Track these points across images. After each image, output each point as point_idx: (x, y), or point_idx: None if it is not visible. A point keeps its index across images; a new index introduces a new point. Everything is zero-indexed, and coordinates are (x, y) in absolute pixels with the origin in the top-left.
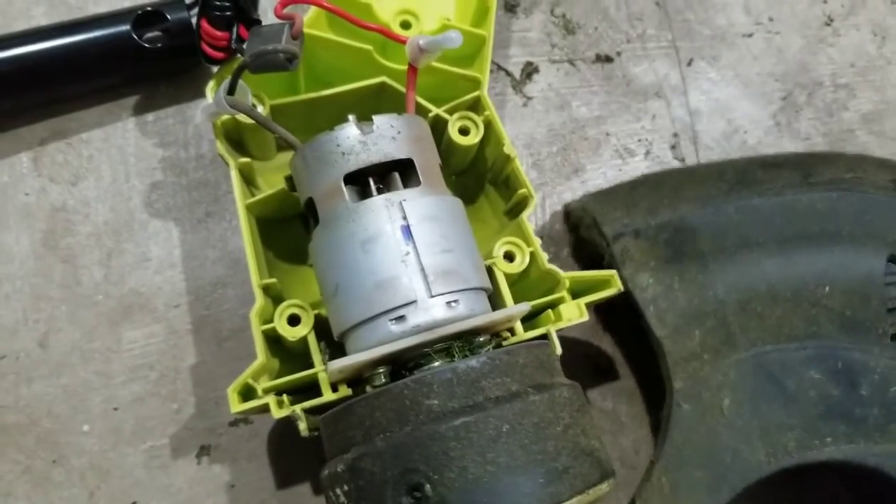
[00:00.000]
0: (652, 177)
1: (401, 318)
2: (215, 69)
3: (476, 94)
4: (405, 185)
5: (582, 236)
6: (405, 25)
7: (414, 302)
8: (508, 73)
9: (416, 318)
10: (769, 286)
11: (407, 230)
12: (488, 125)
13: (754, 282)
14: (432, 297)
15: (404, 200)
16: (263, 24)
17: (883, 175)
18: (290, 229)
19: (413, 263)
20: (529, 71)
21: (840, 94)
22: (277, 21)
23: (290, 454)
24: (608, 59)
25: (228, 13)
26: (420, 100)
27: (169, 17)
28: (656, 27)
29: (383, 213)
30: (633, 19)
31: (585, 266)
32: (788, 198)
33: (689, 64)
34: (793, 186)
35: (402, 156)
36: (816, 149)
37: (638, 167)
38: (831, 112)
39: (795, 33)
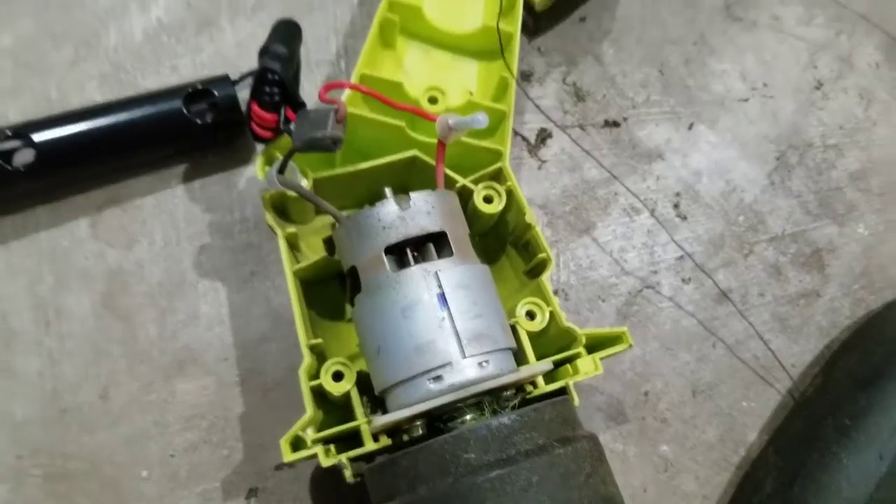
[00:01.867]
0: None
1: (438, 378)
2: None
3: (498, 165)
4: (439, 255)
5: None
6: (433, 100)
7: (450, 363)
8: (524, 139)
9: (451, 377)
10: None
11: (442, 298)
12: (510, 194)
13: None
14: (465, 358)
15: (439, 271)
16: (308, 106)
17: None
18: (327, 288)
19: (448, 328)
20: (544, 136)
21: (829, 154)
22: (322, 105)
23: (331, 496)
24: (616, 124)
25: (277, 98)
26: (448, 171)
27: (216, 93)
28: (660, 94)
29: (421, 282)
30: (638, 87)
31: None
32: None
33: (690, 128)
34: None
35: (437, 229)
36: (808, 207)
37: (645, 223)
38: (821, 171)
39: (788, 98)
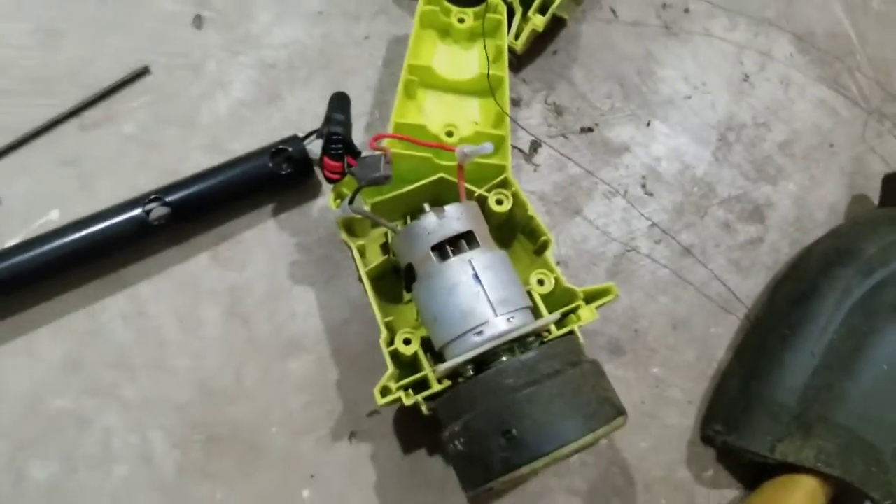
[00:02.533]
0: (731, 380)
1: (480, 333)
2: (330, 185)
3: (504, 175)
4: (469, 248)
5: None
6: (449, 134)
7: (487, 322)
8: (521, 150)
9: (489, 331)
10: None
11: (476, 277)
12: (515, 195)
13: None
14: (497, 316)
15: (472, 258)
16: (363, 154)
17: None
18: (388, 281)
19: (483, 297)
20: (535, 146)
21: (760, 131)
22: (372, 151)
23: (410, 431)
24: (590, 130)
25: (341, 150)
26: (467, 185)
27: (291, 149)
28: (621, 101)
29: (460, 268)
30: (604, 98)
31: (746, 464)
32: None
33: (648, 125)
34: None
35: (466, 229)
36: (747, 174)
37: (620, 203)
38: (755, 144)
39: (723, 91)
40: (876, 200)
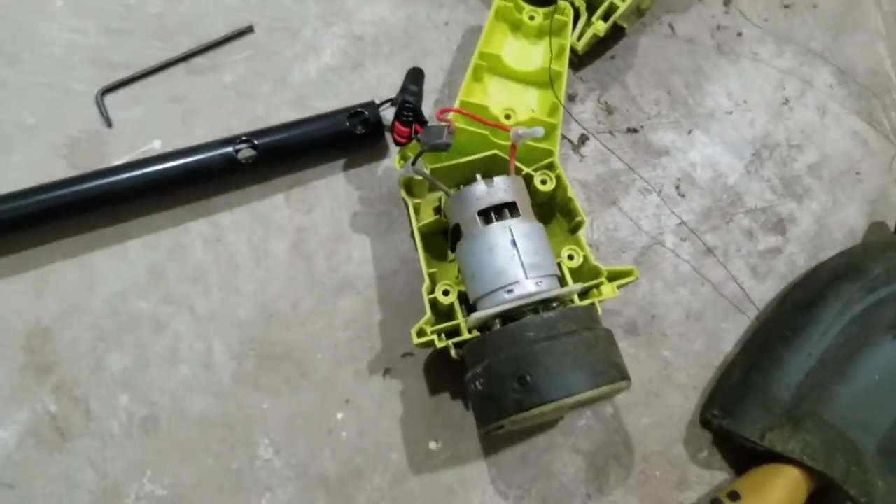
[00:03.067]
0: (739, 364)
1: (510, 291)
2: (397, 148)
3: (550, 160)
4: (511, 216)
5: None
6: (507, 117)
7: (518, 282)
8: (570, 141)
9: (519, 290)
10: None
11: (513, 242)
12: (558, 178)
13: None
14: (528, 279)
15: (512, 225)
16: (430, 123)
17: None
18: (436, 239)
19: (517, 260)
20: (583, 139)
21: (792, 152)
22: (437, 122)
23: (437, 376)
24: (635, 131)
25: (411, 118)
26: (517, 163)
27: (367, 113)
28: (667, 109)
29: (500, 232)
30: (652, 104)
31: (737, 449)
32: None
33: (689, 133)
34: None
35: (510, 199)
36: (775, 189)
37: (654, 200)
38: (786, 163)
39: (762, 111)
40: (893, 229)
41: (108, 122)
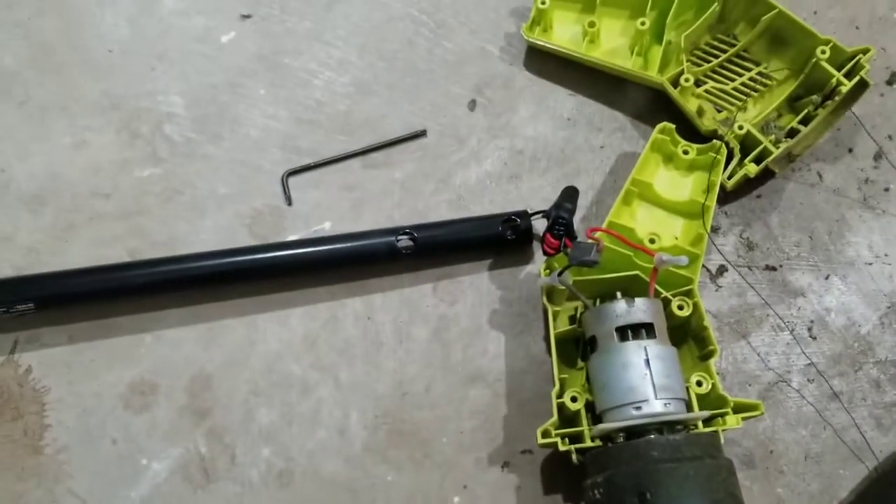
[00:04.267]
0: None
1: (639, 408)
2: (541, 256)
3: (690, 287)
4: (647, 337)
5: None
6: (652, 241)
7: (647, 400)
8: (709, 270)
9: (648, 408)
10: None
11: (647, 362)
12: (695, 305)
13: None
14: (657, 399)
15: (647, 346)
16: (579, 239)
17: None
18: (567, 346)
19: (649, 380)
20: (722, 270)
21: None
22: (586, 240)
23: (554, 476)
24: (773, 269)
25: (562, 232)
26: (657, 287)
27: (519, 221)
28: (808, 252)
29: (636, 351)
30: (793, 245)
31: None
32: None
33: (827, 278)
34: None
35: (648, 320)
36: None
37: (786, 338)
38: None
39: None
40: None
41: (289, 201)
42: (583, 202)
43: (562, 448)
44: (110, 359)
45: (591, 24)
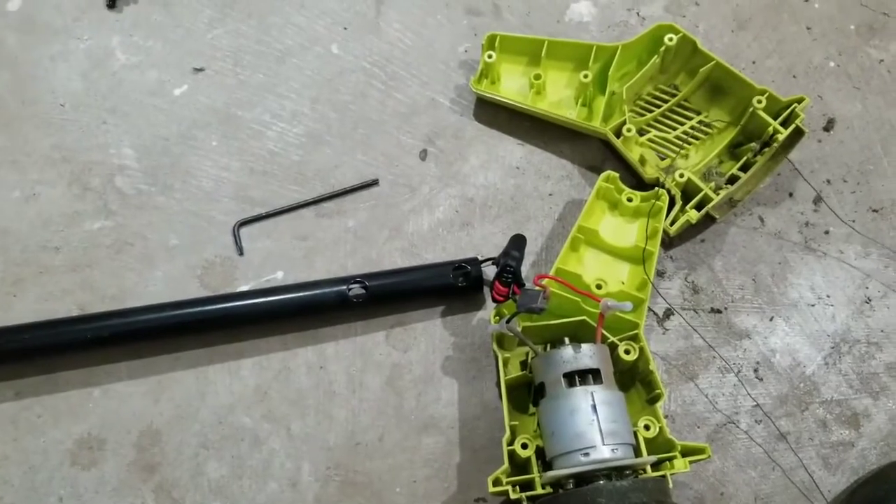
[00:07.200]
0: None
1: (587, 454)
2: (492, 303)
3: (636, 332)
4: (594, 382)
5: None
6: (598, 286)
7: (594, 446)
8: (655, 314)
9: (595, 455)
10: None
11: (594, 408)
12: (641, 350)
13: None
14: (604, 445)
15: (594, 392)
16: (527, 286)
17: None
18: (519, 392)
19: (596, 426)
20: (668, 314)
21: (871, 349)
22: (534, 287)
23: None
24: (718, 311)
25: (510, 280)
26: (603, 332)
27: (470, 269)
28: (752, 294)
29: (583, 397)
30: (737, 288)
31: None
32: None
33: (771, 320)
34: None
35: (594, 366)
36: (852, 383)
37: (732, 380)
38: (864, 359)
39: (844, 307)
40: None
41: (241, 251)
42: (533, 248)
43: (513, 496)
44: (57, 414)
45: (537, 77)
